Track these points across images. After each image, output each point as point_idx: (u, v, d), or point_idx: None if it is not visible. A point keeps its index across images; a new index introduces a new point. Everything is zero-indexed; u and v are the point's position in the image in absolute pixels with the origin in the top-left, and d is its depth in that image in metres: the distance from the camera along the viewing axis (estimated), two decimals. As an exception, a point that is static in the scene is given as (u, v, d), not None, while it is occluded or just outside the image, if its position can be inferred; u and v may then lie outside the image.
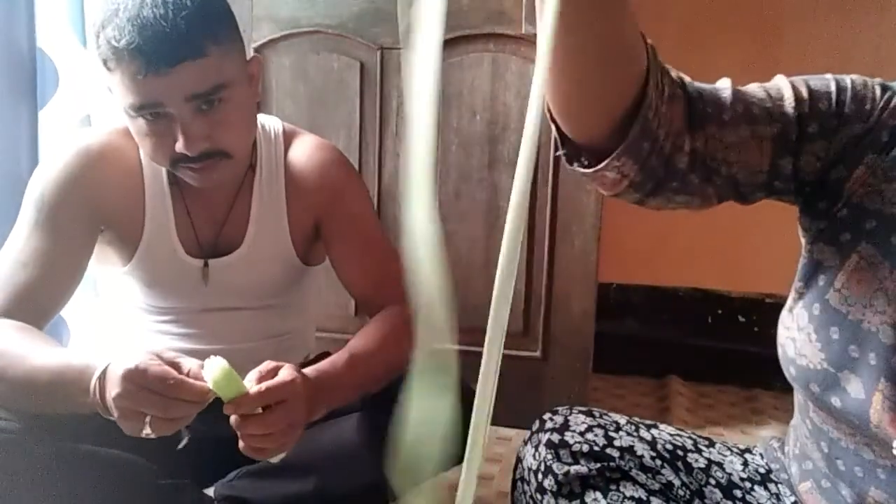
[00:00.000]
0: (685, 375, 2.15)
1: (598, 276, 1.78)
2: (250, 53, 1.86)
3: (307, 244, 1.18)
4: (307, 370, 0.94)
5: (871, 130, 0.65)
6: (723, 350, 2.12)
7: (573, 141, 0.68)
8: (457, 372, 0.45)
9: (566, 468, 0.83)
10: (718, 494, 0.84)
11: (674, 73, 0.68)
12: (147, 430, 0.82)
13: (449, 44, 1.77)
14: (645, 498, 0.82)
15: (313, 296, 1.28)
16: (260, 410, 0.87)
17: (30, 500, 0.89)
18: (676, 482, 0.84)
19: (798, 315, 0.70)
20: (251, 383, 0.87)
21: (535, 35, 1.70)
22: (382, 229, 1.22)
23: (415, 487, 0.47)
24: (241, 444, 0.88)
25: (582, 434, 0.85)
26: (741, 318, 2.08)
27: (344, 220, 1.16)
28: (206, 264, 1.12)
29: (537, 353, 1.81)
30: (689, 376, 2.15)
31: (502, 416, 1.73)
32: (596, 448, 0.84)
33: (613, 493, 0.82)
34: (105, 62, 0.96)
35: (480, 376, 0.48)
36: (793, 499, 0.82)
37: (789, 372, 0.71)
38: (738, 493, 0.84)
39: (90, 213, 1.06)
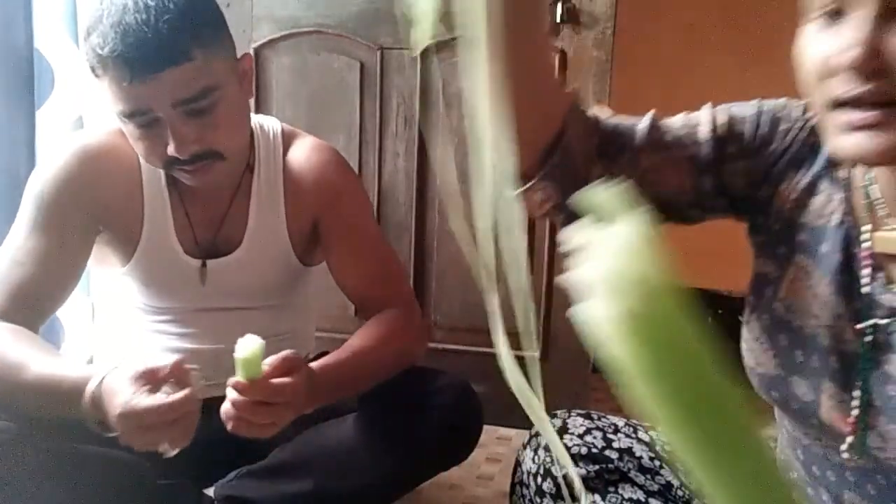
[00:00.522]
0: (685, 375, 2.14)
1: (598, 276, 1.78)
2: (250, 53, 1.87)
3: (306, 245, 1.18)
4: (312, 366, 0.95)
5: (788, 149, 0.69)
6: (723, 350, 2.11)
7: None
8: None
9: (565, 471, 0.83)
10: None
11: (590, 112, 0.73)
12: (165, 447, 0.85)
13: (449, 44, 1.77)
14: (643, 499, 0.82)
15: (313, 296, 1.28)
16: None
17: (30, 500, 0.89)
18: (675, 482, 0.84)
19: (752, 326, 0.74)
20: (267, 367, 0.88)
21: (535, 35, 1.70)
22: (381, 231, 1.22)
23: None
24: (226, 418, 0.88)
25: (580, 437, 0.86)
26: (741, 318, 2.07)
27: (342, 221, 1.15)
28: (204, 264, 1.12)
29: (537, 354, 1.80)
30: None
31: (502, 416, 1.74)
32: (595, 450, 0.85)
33: (612, 494, 0.82)
34: (93, 69, 0.96)
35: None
36: None
37: (753, 382, 0.74)
38: None
39: (89, 213, 1.06)
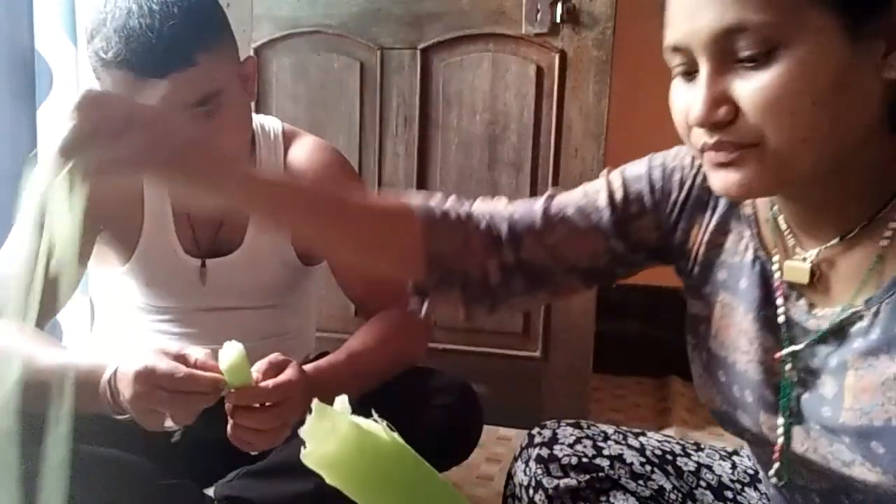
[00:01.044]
0: (685, 375, 2.14)
1: (598, 276, 1.78)
2: (250, 54, 1.87)
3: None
4: (306, 367, 0.95)
5: (690, 194, 0.73)
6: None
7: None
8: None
9: (556, 482, 0.83)
10: (710, 496, 0.85)
11: (462, 210, 0.77)
12: (168, 423, 0.84)
13: (449, 44, 1.77)
14: None
15: (314, 296, 1.28)
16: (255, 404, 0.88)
17: (30, 499, 0.89)
18: (667, 486, 0.85)
19: (696, 364, 0.77)
20: (257, 374, 0.88)
21: (535, 35, 1.70)
22: None
23: None
24: (229, 431, 0.88)
25: (571, 446, 0.86)
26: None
27: None
28: (203, 264, 1.12)
29: (537, 353, 1.81)
30: (690, 376, 2.14)
31: (502, 416, 1.74)
32: (585, 459, 0.85)
33: (604, 503, 0.83)
34: (95, 71, 0.95)
35: None
36: None
37: (711, 415, 0.76)
38: (728, 493, 0.85)
39: (89, 211, 1.06)
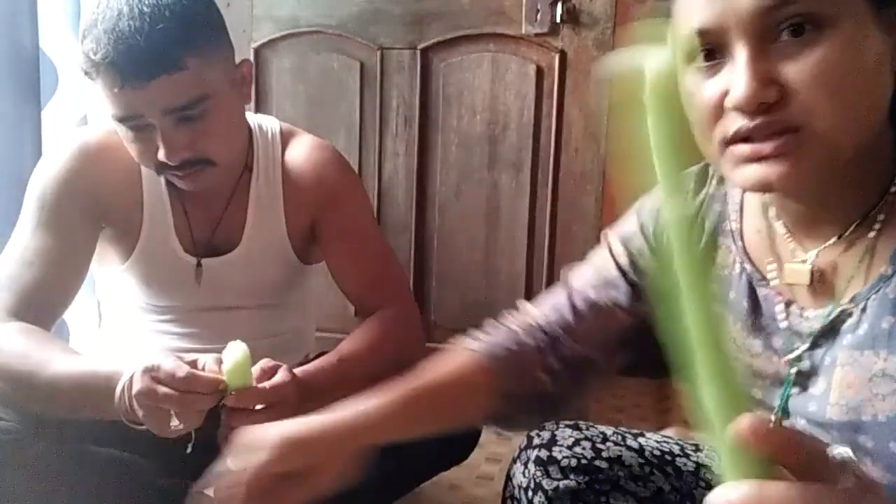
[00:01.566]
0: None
1: (598, 276, 1.79)
2: (250, 54, 1.87)
3: (305, 244, 1.18)
4: (296, 371, 0.94)
5: None
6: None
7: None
8: None
9: (555, 483, 0.83)
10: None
11: (513, 338, 0.81)
12: (175, 423, 0.84)
13: (449, 44, 1.77)
14: None
15: (313, 295, 1.28)
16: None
17: (31, 499, 0.89)
18: (666, 487, 0.84)
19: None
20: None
21: (535, 35, 1.70)
22: (380, 231, 1.22)
23: None
24: (220, 432, 0.88)
25: (570, 448, 0.86)
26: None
27: (340, 220, 1.15)
28: (199, 263, 1.12)
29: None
30: (690, 376, 2.14)
31: (502, 416, 1.74)
32: (584, 461, 0.85)
33: None
34: (86, 73, 0.96)
35: None
36: None
37: None
38: None
39: (91, 209, 1.06)
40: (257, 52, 1.87)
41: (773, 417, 0.67)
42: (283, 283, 1.18)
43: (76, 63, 1.57)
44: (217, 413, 0.88)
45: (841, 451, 0.38)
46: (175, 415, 0.84)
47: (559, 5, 1.66)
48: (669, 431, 0.95)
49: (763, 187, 0.57)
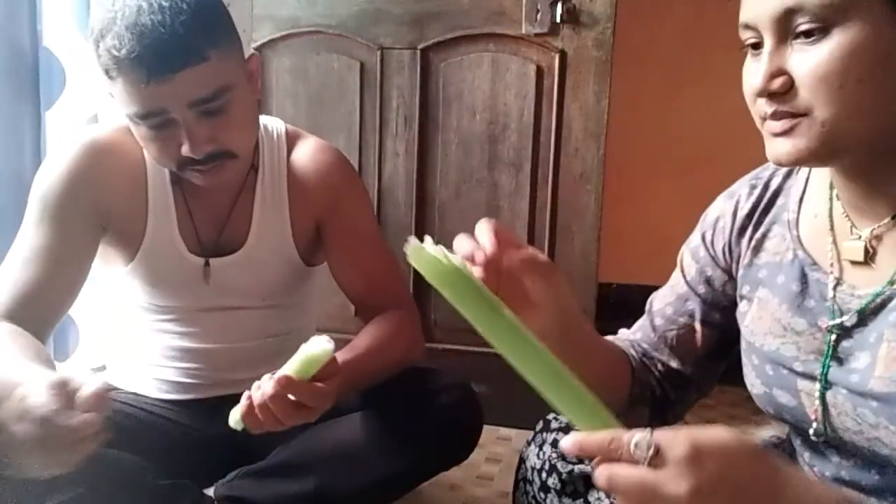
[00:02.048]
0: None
1: (598, 276, 1.78)
2: (249, 53, 1.87)
3: (309, 245, 1.18)
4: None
5: (733, 228, 0.83)
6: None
7: None
8: None
9: (571, 467, 0.84)
10: None
11: (657, 362, 0.89)
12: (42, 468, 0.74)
13: (449, 44, 1.77)
14: None
15: (314, 296, 1.28)
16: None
17: (31, 499, 0.89)
18: None
19: (743, 355, 0.84)
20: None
21: (535, 35, 1.70)
22: (381, 233, 1.22)
23: None
24: (242, 409, 0.87)
25: None
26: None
27: (343, 223, 1.16)
28: (207, 263, 1.12)
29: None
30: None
31: (502, 416, 1.74)
32: None
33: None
34: (107, 71, 0.95)
35: None
36: None
37: (755, 400, 0.82)
38: None
39: (94, 210, 1.06)
40: (257, 51, 1.87)
41: (817, 386, 0.71)
42: (286, 283, 1.18)
43: (85, 61, 1.58)
44: (212, 410, 0.87)
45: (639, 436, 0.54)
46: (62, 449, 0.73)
47: (559, 5, 1.66)
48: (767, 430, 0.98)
49: (775, 159, 0.66)
